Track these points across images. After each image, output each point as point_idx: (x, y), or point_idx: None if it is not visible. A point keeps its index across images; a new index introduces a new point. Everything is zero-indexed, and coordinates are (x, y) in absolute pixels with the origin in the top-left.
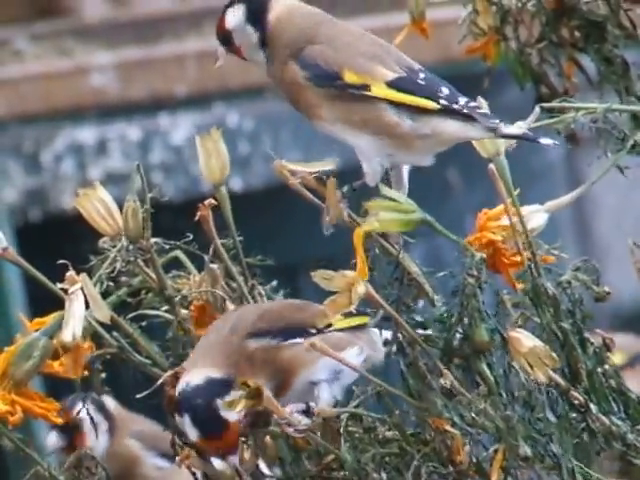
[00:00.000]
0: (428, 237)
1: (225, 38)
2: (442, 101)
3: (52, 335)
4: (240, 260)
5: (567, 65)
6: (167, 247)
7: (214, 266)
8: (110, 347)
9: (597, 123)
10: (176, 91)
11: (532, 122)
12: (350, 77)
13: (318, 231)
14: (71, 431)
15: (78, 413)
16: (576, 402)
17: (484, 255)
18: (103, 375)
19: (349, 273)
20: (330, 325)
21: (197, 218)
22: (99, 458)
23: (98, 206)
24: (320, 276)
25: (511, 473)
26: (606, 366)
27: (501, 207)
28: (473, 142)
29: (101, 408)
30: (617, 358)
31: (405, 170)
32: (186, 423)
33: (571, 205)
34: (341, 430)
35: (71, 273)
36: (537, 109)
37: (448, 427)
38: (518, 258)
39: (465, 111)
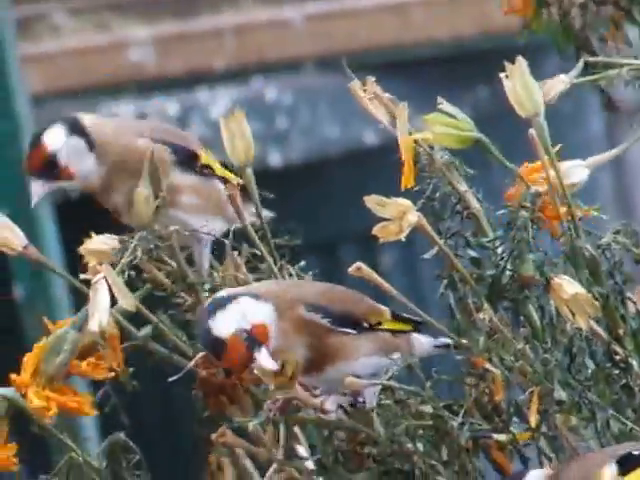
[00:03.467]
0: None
1: (47, 166)
2: None
3: (80, 328)
4: (268, 241)
5: (611, 29)
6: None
7: (234, 253)
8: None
9: None
10: (214, 65)
11: (574, 76)
12: None
13: (358, 205)
14: None
15: None
16: (617, 357)
17: (540, 189)
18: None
19: (403, 201)
20: (380, 323)
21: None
22: None
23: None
24: (373, 201)
25: (548, 419)
26: None
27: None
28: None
29: None
30: None
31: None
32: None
33: (611, 170)
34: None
35: (94, 264)
36: (581, 63)
37: (488, 365)
38: (562, 211)
39: None
